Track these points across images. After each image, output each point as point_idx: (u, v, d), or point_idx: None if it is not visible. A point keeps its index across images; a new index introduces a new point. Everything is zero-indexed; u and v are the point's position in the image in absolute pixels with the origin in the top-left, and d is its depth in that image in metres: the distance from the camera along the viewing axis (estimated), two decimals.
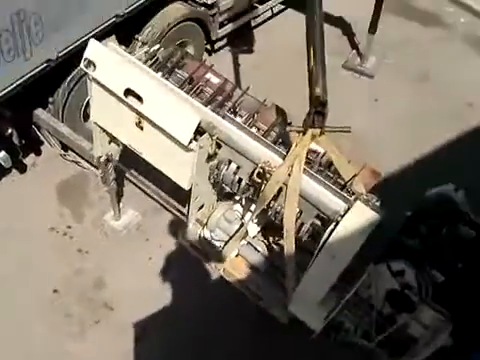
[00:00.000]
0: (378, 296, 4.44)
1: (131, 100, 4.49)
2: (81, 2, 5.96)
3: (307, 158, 4.62)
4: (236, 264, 5.34)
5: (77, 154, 6.79)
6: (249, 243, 5.32)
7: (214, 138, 4.48)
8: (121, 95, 4.50)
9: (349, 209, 4.12)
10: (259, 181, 4.49)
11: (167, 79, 5.01)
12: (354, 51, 9.34)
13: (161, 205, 6.38)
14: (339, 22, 9.85)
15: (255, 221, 5.26)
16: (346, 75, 8.99)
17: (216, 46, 8.89)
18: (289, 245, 4.51)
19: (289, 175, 4.32)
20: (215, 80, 5.19)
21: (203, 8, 8.03)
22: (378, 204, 4.22)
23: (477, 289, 4.50)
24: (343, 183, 4.53)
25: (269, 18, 9.65)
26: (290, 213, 4.36)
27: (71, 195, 6.98)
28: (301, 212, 4.46)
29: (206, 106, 4.74)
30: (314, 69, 4.29)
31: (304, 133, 4.33)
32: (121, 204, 6.70)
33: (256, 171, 4.44)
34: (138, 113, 4.57)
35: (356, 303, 4.57)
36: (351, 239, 4.03)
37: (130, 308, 6.11)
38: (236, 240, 5.14)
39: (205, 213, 5.26)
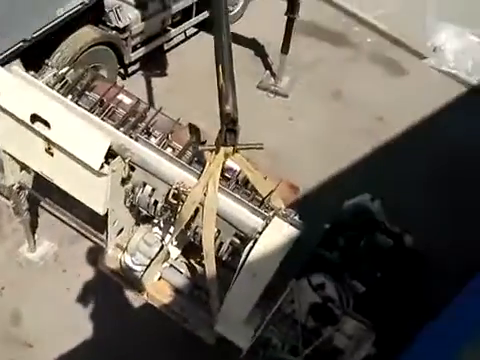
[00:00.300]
0: (301, 310, 4.45)
1: (38, 126, 4.33)
2: None
3: (223, 176, 4.61)
4: (159, 287, 5.26)
5: None
6: (171, 265, 5.24)
7: (127, 161, 4.38)
8: (27, 121, 4.34)
9: (267, 225, 4.11)
10: (175, 202, 4.44)
11: (77, 102, 4.91)
12: (268, 71, 9.48)
13: (78, 233, 6.18)
14: (252, 43, 9.99)
15: (176, 243, 5.19)
16: (261, 95, 9.10)
17: (129, 70, 8.80)
18: (210, 265, 4.46)
19: (205, 195, 4.28)
20: (127, 101, 5.13)
21: (115, 32, 7.91)
22: (297, 219, 4.25)
23: (396, 297, 4.63)
24: (261, 199, 4.52)
25: (182, 41, 9.67)
26: (208, 233, 4.31)
27: None
28: (219, 231, 4.42)
29: (118, 128, 4.66)
30: (223, 87, 4.31)
31: (217, 151, 4.32)
32: (36, 235, 6.44)
33: (171, 192, 4.39)
34: (47, 139, 4.41)
35: (281, 319, 4.58)
36: (271, 255, 4.02)
37: (50, 344, 5.85)
38: (157, 263, 5.04)
39: (124, 238, 5.15)
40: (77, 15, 7.15)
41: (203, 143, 4.98)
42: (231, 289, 4.41)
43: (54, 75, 5.06)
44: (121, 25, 7.89)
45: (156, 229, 5.20)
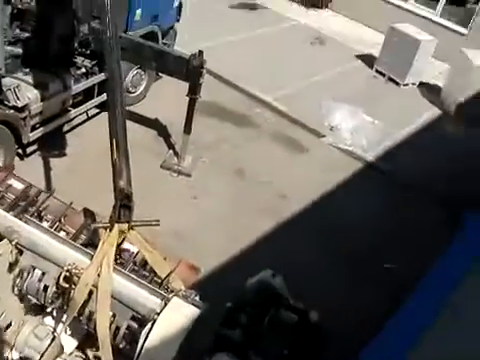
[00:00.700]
0: None
1: None
2: None
3: (120, 258, 4.46)
4: None
5: None
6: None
7: (14, 243, 4.17)
8: None
9: (165, 306, 3.98)
10: (67, 286, 4.19)
11: None
12: (171, 151, 9.52)
13: None
14: (155, 124, 10.06)
15: (70, 334, 4.80)
16: (164, 174, 9.08)
17: (28, 150, 8.54)
18: (106, 355, 4.16)
19: (99, 276, 4.08)
20: (18, 185, 4.97)
21: (13, 111, 7.74)
22: (197, 299, 4.16)
23: None
24: (160, 281, 4.37)
25: (84, 121, 9.57)
26: (103, 317, 4.08)
27: None
28: (115, 315, 4.19)
29: (8, 212, 4.45)
30: (117, 162, 4.29)
31: (111, 229, 4.20)
32: None
33: (62, 275, 4.15)
34: None
35: None
36: (170, 337, 3.87)
37: None
38: (49, 359, 4.60)
39: (13, 332, 4.69)
40: None
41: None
42: None
43: None
44: (19, 104, 7.75)
45: (47, 320, 4.80)
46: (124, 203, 4.20)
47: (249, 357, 4.33)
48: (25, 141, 8.18)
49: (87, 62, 9.04)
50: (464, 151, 10.96)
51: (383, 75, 13.66)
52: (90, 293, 4.14)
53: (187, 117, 8.87)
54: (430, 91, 13.35)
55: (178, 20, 11.07)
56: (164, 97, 10.51)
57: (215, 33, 13.19)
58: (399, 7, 15.80)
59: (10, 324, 4.66)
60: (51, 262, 4.27)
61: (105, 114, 9.63)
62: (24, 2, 8.51)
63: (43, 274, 4.33)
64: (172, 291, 4.20)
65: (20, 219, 4.39)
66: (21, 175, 7.92)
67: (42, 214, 4.83)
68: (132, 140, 9.09)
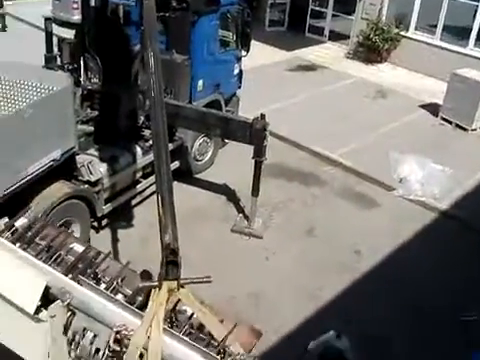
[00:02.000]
0: None
1: None
2: None
3: (176, 320, 4.34)
4: None
5: None
6: None
7: (65, 304, 4.06)
8: None
9: None
10: (118, 349, 4.03)
11: (25, 249, 4.72)
12: (241, 214, 9.61)
13: None
14: (223, 189, 10.22)
15: None
16: (235, 238, 9.14)
17: (103, 222, 8.83)
18: None
19: (149, 337, 3.90)
20: (78, 248, 4.99)
21: (87, 186, 8.08)
22: None
23: None
24: (216, 344, 4.16)
25: (155, 192, 9.79)
26: None
27: None
28: None
29: (66, 274, 4.44)
30: (163, 217, 4.21)
31: (160, 287, 4.07)
32: None
33: (112, 337, 4.00)
34: None
35: None
36: None
37: None
38: None
39: None
40: (49, 171, 7.31)
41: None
42: None
43: (5, 224, 4.95)
44: (93, 179, 8.09)
45: None
46: (171, 259, 4.08)
47: None
48: (99, 214, 8.47)
49: None
50: None
51: (450, 122, 13.46)
52: (141, 356, 3.98)
53: (254, 180, 8.98)
54: None
55: (239, 87, 11.38)
56: (231, 162, 10.72)
57: (276, 96, 13.47)
58: (458, 53, 15.74)
59: None
60: (102, 324, 4.15)
61: (175, 183, 9.98)
62: (93, 83, 9.03)
63: (95, 336, 4.22)
64: (229, 355, 4.01)
65: (73, 280, 4.35)
66: (97, 246, 8.29)
67: (99, 276, 4.80)
68: (202, 207, 9.57)
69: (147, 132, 9.30)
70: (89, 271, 4.76)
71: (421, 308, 7.81)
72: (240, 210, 9.75)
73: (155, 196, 9.52)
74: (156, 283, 4.14)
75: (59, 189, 7.66)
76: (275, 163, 10.53)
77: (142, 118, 9.21)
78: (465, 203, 10.35)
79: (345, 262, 8.67)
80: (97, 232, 8.78)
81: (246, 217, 9.46)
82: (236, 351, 4.02)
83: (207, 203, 9.87)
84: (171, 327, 4.27)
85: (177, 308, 4.48)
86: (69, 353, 4.31)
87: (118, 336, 3.98)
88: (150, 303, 4.07)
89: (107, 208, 8.54)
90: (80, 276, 4.47)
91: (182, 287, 4.19)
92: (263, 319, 7.47)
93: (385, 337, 7.23)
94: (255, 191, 9.07)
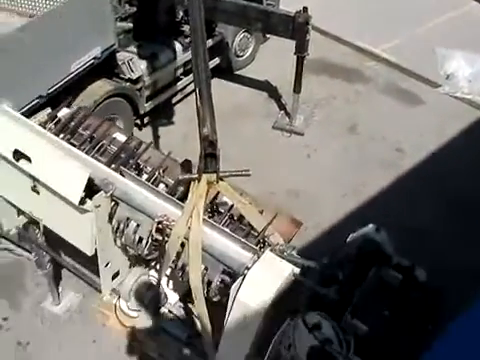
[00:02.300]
0: (300, 356, 3.76)
1: (22, 163, 4.26)
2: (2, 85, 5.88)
3: (216, 210, 4.39)
4: (155, 335, 4.92)
5: (8, 240, 6.52)
6: (170, 311, 4.90)
7: (108, 195, 4.19)
8: (10, 157, 4.27)
9: (256, 261, 3.82)
10: (160, 238, 4.17)
11: (68, 140, 4.80)
12: (282, 112, 9.53)
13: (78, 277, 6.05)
14: (265, 85, 10.09)
15: (173, 286, 4.87)
16: (277, 135, 9.12)
17: (145, 120, 8.90)
18: (200, 307, 4.12)
19: (189, 228, 4.00)
20: (121, 138, 5.01)
21: (128, 84, 8.09)
22: (295, 254, 3.97)
23: (407, 339, 3.92)
24: (256, 235, 4.22)
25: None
26: (194, 270, 4.01)
27: (5, 285, 6.64)
28: (207, 268, 4.10)
29: (109, 164, 4.52)
30: (201, 110, 4.19)
31: (199, 179, 4.11)
32: (60, 287, 6.41)
33: (154, 227, 4.12)
34: (31, 177, 4.31)
35: None
36: (260, 294, 3.65)
37: None
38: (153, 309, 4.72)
39: (120, 281, 4.88)
40: (91, 69, 7.32)
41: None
42: (223, 334, 4.02)
43: (48, 115, 5.04)
44: (134, 76, 8.06)
45: (152, 272, 4.89)
46: (209, 152, 4.06)
47: (344, 318, 3.81)
48: (141, 111, 8.52)
49: None
50: None
51: None
52: (182, 246, 4.08)
53: (296, 76, 8.80)
54: None
55: None
56: (272, 58, 10.48)
57: None
58: None
59: (117, 274, 4.82)
60: (144, 214, 4.24)
61: (216, 80, 9.96)
62: None
63: (138, 226, 4.33)
64: (269, 245, 4.05)
65: (116, 171, 4.43)
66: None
67: (141, 166, 4.83)
68: (243, 103, 9.52)
69: (187, 27, 9.11)
70: (131, 161, 4.80)
71: (463, 204, 7.76)
72: (282, 107, 9.66)
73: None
74: (196, 175, 4.17)
75: (101, 87, 7.69)
76: (317, 59, 10.25)
77: (181, 13, 9.00)
78: None
79: (387, 159, 8.60)
80: (140, 129, 8.88)
81: (287, 114, 9.38)
82: (276, 241, 4.10)
83: (248, 100, 9.79)
84: (211, 218, 4.34)
85: (217, 200, 4.53)
86: (115, 241, 4.54)
87: (160, 226, 4.10)
88: (190, 195, 4.13)
89: (149, 106, 8.58)
90: (122, 167, 4.55)
91: (221, 180, 4.23)
92: (303, 214, 7.43)
93: (427, 231, 7.24)
94: (297, 87, 8.92)
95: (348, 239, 4.34)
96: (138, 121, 8.84)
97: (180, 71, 9.12)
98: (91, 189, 4.17)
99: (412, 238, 7.03)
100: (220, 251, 4.02)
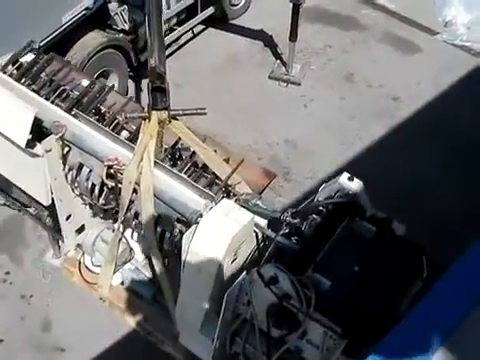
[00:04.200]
0: (259, 313, 3.42)
1: None
2: None
3: (177, 157, 4.07)
4: (120, 293, 4.63)
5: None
6: (136, 268, 4.55)
7: (57, 137, 3.89)
8: None
9: (212, 208, 3.54)
10: (113, 184, 3.88)
11: (29, 85, 4.47)
12: (278, 61, 9.41)
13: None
14: (260, 35, 9.91)
15: (137, 239, 4.51)
16: (273, 85, 9.03)
17: (140, 72, 8.78)
18: (156, 259, 3.87)
19: (141, 172, 3.70)
20: (85, 83, 4.62)
21: (121, 35, 7.95)
22: (260, 204, 3.69)
23: (378, 296, 3.48)
24: (223, 184, 3.84)
25: (190, 39, 9.64)
26: (147, 218, 3.71)
27: (6, 239, 6.70)
28: (160, 216, 3.80)
29: (70, 110, 4.21)
30: (149, 40, 3.89)
31: (149, 118, 3.82)
32: (60, 241, 6.45)
33: (104, 171, 3.83)
34: None
35: (241, 326, 3.57)
36: (215, 243, 3.36)
37: (82, 347, 5.87)
38: (112, 263, 4.32)
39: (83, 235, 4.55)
40: (83, 21, 7.19)
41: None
42: (180, 289, 3.73)
43: (10, 59, 4.66)
44: (127, 27, 7.92)
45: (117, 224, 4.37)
46: (157, 85, 3.77)
47: (304, 272, 3.38)
48: (135, 63, 8.39)
49: None
50: None
51: None
52: (136, 192, 3.80)
53: (292, 24, 8.65)
54: None
55: None
56: (268, 7, 10.27)
57: None
58: None
59: (83, 228, 4.51)
60: (96, 158, 3.94)
61: (211, 30, 9.83)
62: None
63: (90, 172, 4.05)
64: (234, 195, 3.76)
65: (68, 112, 4.12)
66: (135, 96, 8.29)
67: (103, 111, 4.43)
68: (239, 53, 9.40)
69: None
70: (90, 107, 4.41)
71: (460, 151, 7.77)
72: (278, 56, 9.53)
73: (190, 44, 9.51)
74: (144, 113, 3.88)
75: (94, 38, 7.55)
76: (313, 6, 10.05)
77: None
78: None
79: (384, 108, 8.56)
80: (134, 81, 8.78)
81: (284, 63, 9.27)
82: (242, 191, 3.81)
83: (244, 49, 9.66)
84: (173, 165, 4.04)
85: (180, 145, 4.19)
86: (73, 191, 4.25)
87: (111, 171, 3.82)
88: (140, 135, 3.84)
89: (143, 57, 8.44)
90: (77, 110, 4.20)
91: (175, 119, 3.94)
92: (300, 165, 7.63)
93: (424, 180, 7.34)
94: (293, 36, 8.78)
95: (320, 189, 3.96)
96: (132, 73, 8.71)
97: (174, 21, 8.96)
98: (44, 134, 3.94)
99: (410, 188, 7.09)
100: (173, 197, 3.72)
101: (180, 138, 4.08)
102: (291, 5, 8.44)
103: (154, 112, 3.82)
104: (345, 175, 3.82)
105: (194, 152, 4.04)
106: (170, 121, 3.90)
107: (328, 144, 7.91)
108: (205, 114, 3.98)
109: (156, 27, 3.92)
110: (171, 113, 3.95)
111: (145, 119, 3.89)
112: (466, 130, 8.10)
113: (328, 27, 10.29)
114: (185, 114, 3.97)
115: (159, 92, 3.80)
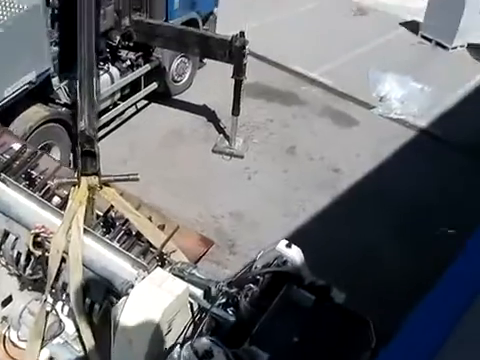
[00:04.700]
0: None
1: None
2: None
3: (109, 225, 3.91)
4: None
5: None
6: (66, 342, 4.17)
7: None
8: None
9: (145, 278, 3.37)
10: (40, 253, 3.66)
11: None
12: (221, 135, 9.56)
13: None
14: (204, 110, 10.11)
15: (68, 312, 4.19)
16: (217, 158, 9.13)
17: None
18: (86, 335, 3.63)
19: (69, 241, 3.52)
20: (17, 146, 4.49)
21: (64, 109, 7.93)
22: (197, 273, 3.55)
23: None
24: (157, 252, 3.70)
25: (134, 114, 9.71)
26: (75, 289, 3.50)
27: None
28: (89, 287, 3.61)
29: None
30: (79, 101, 3.84)
31: (78, 184, 3.69)
32: None
33: (30, 240, 3.62)
34: None
35: None
36: (147, 315, 3.16)
37: None
38: (41, 338, 3.96)
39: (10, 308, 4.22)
40: (25, 94, 7.15)
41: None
42: None
43: None
44: (70, 101, 7.90)
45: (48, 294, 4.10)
46: (87, 149, 3.68)
47: (240, 344, 3.20)
48: None
49: (131, 55, 9.15)
50: None
51: (429, 40, 13.30)
52: (64, 261, 3.60)
53: (234, 99, 8.87)
54: None
55: (216, 5, 11.04)
56: (210, 83, 10.55)
57: (254, 15, 13.05)
58: None
59: (10, 299, 4.24)
60: (22, 225, 3.76)
61: (154, 105, 9.94)
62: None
63: (16, 239, 3.84)
64: (169, 264, 3.61)
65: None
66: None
67: (33, 176, 4.27)
68: (182, 128, 9.50)
69: (124, 53, 9.08)
70: (20, 171, 4.25)
71: (400, 224, 7.95)
72: (221, 131, 9.70)
73: (134, 119, 9.57)
74: (75, 180, 3.73)
75: (36, 112, 7.52)
76: (254, 83, 10.37)
77: (118, 38, 8.93)
78: (444, 121, 10.36)
79: (327, 180, 8.76)
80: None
81: (227, 137, 9.42)
82: (178, 259, 3.68)
83: (187, 124, 9.79)
84: (106, 233, 3.90)
85: (113, 212, 4.03)
86: None
87: (38, 239, 3.63)
88: (69, 202, 3.66)
89: None
90: (4, 175, 4.05)
91: (106, 185, 3.81)
92: (246, 236, 7.61)
93: (365, 248, 7.42)
94: (236, 111, 8.98)
95: (257, 256, 3.82)
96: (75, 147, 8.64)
97: (117, 96, 9.04)
98: None
99: (355, 257, 7.16)
100: (103, 267, 3.56)
101: (113, 205, 3.94)
102: (233, 81, 8.66)
103: (84, 178, 3.70)
104: (283, 242, 3.77)
105: (127, 219, 3.90)
106: (101, 187, 3.78)
107: (273, 215, 7.95)
108: (137, 180, 3.88)
109: (87, 87, 3.87)
110: (102, 179, 3.84)
111: (75, 185, 3.75)
112: (406, 199, 8.35)
113: (269, 102, 10.61)
114: (117, 180, 3.86)
115: (89, 156, 3.71)
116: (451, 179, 8.85)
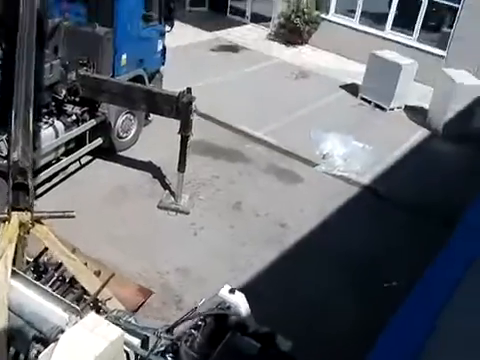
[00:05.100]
0: None
1: None
2: None
3: (42, 269, 3.72)
4: None
5: None
6: None
7: None
8: None
9: (77, 323, 3.13)
10: None
11: None
12: (167, 191, 9.49)
13: None
14: (149, 166, 10.06)
15: None
16: (162, 214, 9.02)
17: None
18: None
19: None
20: None
21: (4, 161, 7.72)
22: (133, 321, 3.45)
23: None
24: (91, 298, 3.54)
25: (78, 169, 9.56)
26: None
27: None
28: (15, 333, 3.35)
29: None
30: (13, 131, 3.66)
31: (8, 220, 3.49)
32: None
33: None
34: None
35: None
36: None
37: None
38: None
39: None
40: None
41: None
42: None
43: None
44: None
45: None
46: (19, 182, 3.53)
47: None
48: None
49: (77, 109, 9.10)
50: (455, 168, 11.09)
51: (369, 102, 13.84)
52: None
53: (180, 155, 8.88)
54: (416, 113, 13.56)
55: (163, 63, 11.20)
56: (156, 139, 10.56)
57: (200, 76, 13.30)
58: (377, 36, 16.14)
59: None
60: None
61: (98, 161, 9.82)
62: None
63: None
64: (105, 312, 3.48)
65: None
66: None
67: None
68: (127, 184, 9.40)
69: (69, 107, 9.03)
70: None
71: (346, 277, 8.01)
72: (166, 187, 9.63)
73: (78, 174, 9.41)
74: (5, 215, 3.53)
75: None
76: (200, 140, 10.43)
77: (64, 92, 8.88)
78: (385, 178, 10.69)
79: (273, 235, 8.77)
80: None
81: (172, 193, 9.36)
82: (113, 307, 3.56)
83: (132, 180, 9.69)
84: (38, 279, 3.68)
85: (47, 256, 3.85)
86: None
87: None
88: None
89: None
90: None
91: (39, 222, 3.60)
92: (193, 292, 7.44)
93: (313, 302, 7.40)
94: (181, 167, 8.98)
95: (200, 303, 3.79)
96: None
97: (61, 151, 8.92)
98: None
99: (304, 310, 7.13)
100: (32, 311, 3.29)
101: (46, 248, 3.71)
102: (179, 138, 8.69)
103: (15, 213, 3.48)
104: (226, 287, 3.70)
105: (61, 264, 3.70)
106: (33, 224, 3.56)
107: (220, 271, 7.84)
108: (73, 217, 3.72)
109: (22, 118, 3.70)
110: (35, 215, 3.62)
111: (5, 221, 3.51)
112: (351, 253, 8.44)
113: (215, 160, 10.68)
114: (51, 216, 3.67)
115: (21, 190, 3.51)
116: (393, 234, 9.04)
